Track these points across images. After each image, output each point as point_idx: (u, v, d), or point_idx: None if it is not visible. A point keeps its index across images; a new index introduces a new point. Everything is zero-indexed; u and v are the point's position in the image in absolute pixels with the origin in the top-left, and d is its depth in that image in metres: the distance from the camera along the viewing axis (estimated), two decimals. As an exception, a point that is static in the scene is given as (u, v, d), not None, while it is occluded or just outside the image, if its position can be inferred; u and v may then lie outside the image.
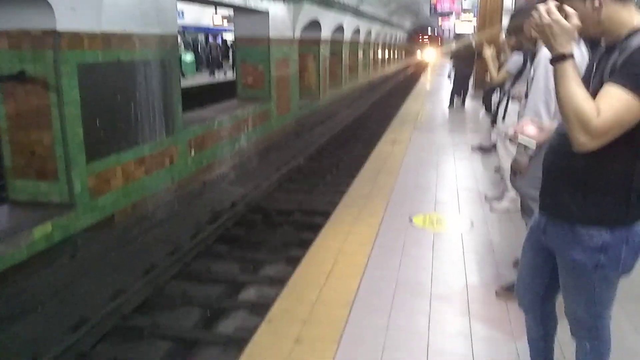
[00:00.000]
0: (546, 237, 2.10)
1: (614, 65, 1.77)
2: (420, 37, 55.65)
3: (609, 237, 1.91)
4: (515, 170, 3.18)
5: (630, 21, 1.85)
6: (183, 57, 22.66)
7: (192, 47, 25.44)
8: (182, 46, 23.35)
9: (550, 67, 3.24)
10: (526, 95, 3.54)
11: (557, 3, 1.80)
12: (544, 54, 3.26)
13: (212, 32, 27.41)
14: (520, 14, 3.80)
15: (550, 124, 2.22)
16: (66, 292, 5.52)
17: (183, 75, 21.72)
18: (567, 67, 1.78)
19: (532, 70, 3.46)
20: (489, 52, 6.28)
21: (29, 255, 5.31)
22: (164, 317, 5.16)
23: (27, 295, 5.23)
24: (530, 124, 2.07)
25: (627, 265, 1.96)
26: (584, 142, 1.74)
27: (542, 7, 1.80)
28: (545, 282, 2.25)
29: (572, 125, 1.75)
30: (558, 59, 1.79)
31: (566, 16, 1.78)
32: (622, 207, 1.89)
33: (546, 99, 3.19)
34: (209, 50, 25.81)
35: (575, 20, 1.78)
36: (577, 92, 1.75)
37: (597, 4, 1.84)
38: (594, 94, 1.83)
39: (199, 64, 25.14)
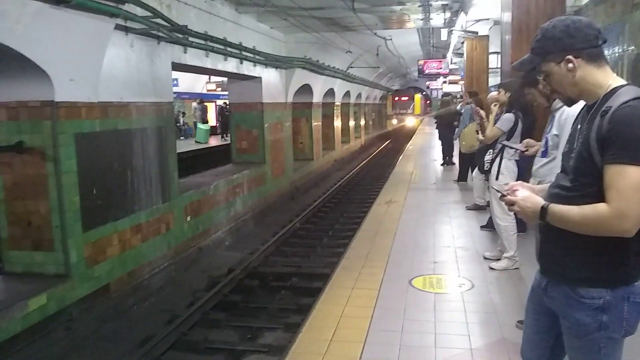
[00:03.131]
0: (548, 298, 2.10)
1: (599, 131, 1.82)
2: (398, 98, 40.51)
3: (610, 297, 1.91)
4: None
5: (605, 81, 1.93)
6: (199, 125, 23.00)
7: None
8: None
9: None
10: (543, 153, 3.66)
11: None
12: (569, 112, 3.36)
13: (206, 98, 27.89)
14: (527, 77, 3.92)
15: (542, 186, 2.26)
16: (61, 366, 5.38)
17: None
18: (552, 211, 1.92)
19: (551, 127, 3.58)
20: (482, 112, 6.43)
21: (23, 328, 5.20)
22: (162, 389, 5.02)
23: (21, 370, 5.09)
24: (521, 188, 2.11)
25: (630, 325, 1.95)
26: (623, 230, 1.79)
27: (508, 200, 2.07)
28: (551, 344, 2.22)
29: (603, 231, 1.82)
30: (543, 217, 1.95)
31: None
32: (620, 267, 1.91)
33: None
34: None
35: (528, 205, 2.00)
36: (574, 215, 1.86)
37: (571, 66, 1.93)
38: (579, 154, 1.90)
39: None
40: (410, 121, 37.66)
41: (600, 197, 1.81)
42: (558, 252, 2.02)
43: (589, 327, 1.95)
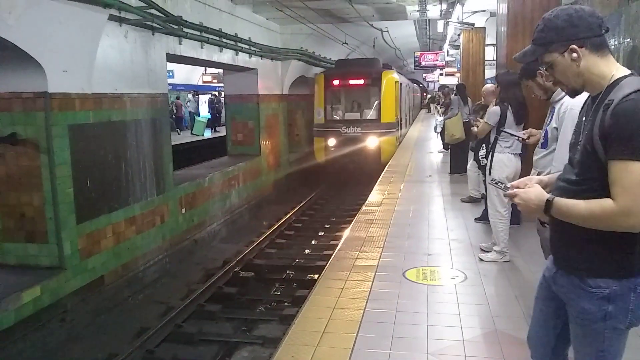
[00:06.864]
0: (556, 286, 2.11)
1: (602, 126, 1.80)
2: (340, 81, 14.73)
3: (617, 287, 1.91)
4: (542, 221, 3.18)
5: (609, 72, 1.91)
6: (197, 118, 22.93)
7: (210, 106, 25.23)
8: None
9: (575, 118, 3.24)
10: (543, 145, 3.61)
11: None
12: (568, 105, 3.32)
13: (201, 90, 27.79)
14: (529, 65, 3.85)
15: (550, 176, 2.24)
16: (55, 358, 5.38)
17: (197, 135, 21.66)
18: (557, 205, 1.92)
19: (551, 119, 3.53)
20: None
21: (17, 320, 5.19)
22: (155, 381, 5.02)
23: (15, 362, 5.09)
24: (530, 183, 2.09)
25: (636, 316, 1.95)
26: (629, 226, 1.79)
27: (510, 194, 2.07)
28: (557, 333, 2.22)
29: (608, 225, 1.82)
30: (547, 210, 1.94)
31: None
32: (627, 259, 1.91)
33: None
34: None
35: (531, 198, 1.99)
36: (580, 210, 1.85)
37: (575, 56, 1.91)
38: (584, 147, 1.89)
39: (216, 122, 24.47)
40: (371, 142, 14.96)
41: (605, 191, 1.81)
42: (566, 243, 2.02)
43: (594, 316, 1.95)
